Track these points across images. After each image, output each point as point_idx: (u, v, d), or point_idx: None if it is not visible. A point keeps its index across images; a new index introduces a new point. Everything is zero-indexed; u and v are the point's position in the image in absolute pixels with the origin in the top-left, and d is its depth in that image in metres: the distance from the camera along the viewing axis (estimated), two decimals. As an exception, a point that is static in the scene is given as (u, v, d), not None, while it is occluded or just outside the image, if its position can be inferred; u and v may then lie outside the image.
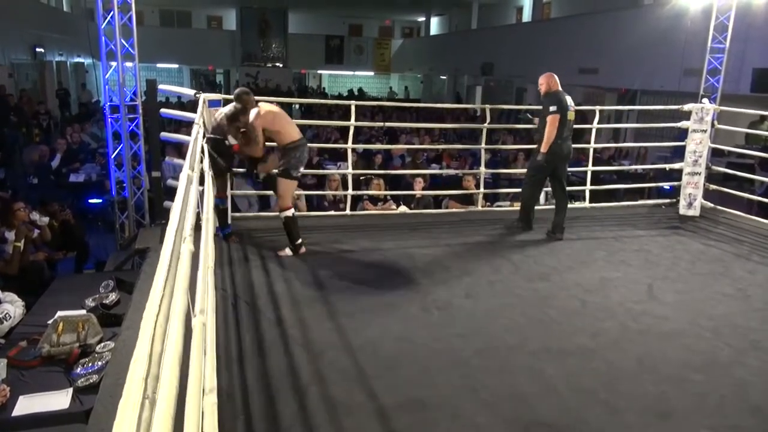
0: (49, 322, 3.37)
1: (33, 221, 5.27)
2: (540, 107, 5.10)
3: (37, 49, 16.11)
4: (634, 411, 2.58)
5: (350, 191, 5.61)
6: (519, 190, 7.53)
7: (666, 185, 6.97)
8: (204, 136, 4.51)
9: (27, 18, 15.66)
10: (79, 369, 3.05)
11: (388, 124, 8.42)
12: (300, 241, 4.43)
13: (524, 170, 8.47)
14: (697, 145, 5.96)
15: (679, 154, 7.05)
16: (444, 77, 26.52)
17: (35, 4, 16.96)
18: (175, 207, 1.94)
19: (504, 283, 4.06)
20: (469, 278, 4.12)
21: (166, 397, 0.99)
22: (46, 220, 5.55)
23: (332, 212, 5.84)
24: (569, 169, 8.97)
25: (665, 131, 10.03)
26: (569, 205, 5.41)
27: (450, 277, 4.13)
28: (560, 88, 5.02)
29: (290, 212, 4.37)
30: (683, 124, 6.08)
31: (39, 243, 5.34)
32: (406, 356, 2.98)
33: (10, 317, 3.71)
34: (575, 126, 5.19)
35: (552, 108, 4.84)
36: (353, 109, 5.56)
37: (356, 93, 26.90)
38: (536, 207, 5.50)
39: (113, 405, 2.41)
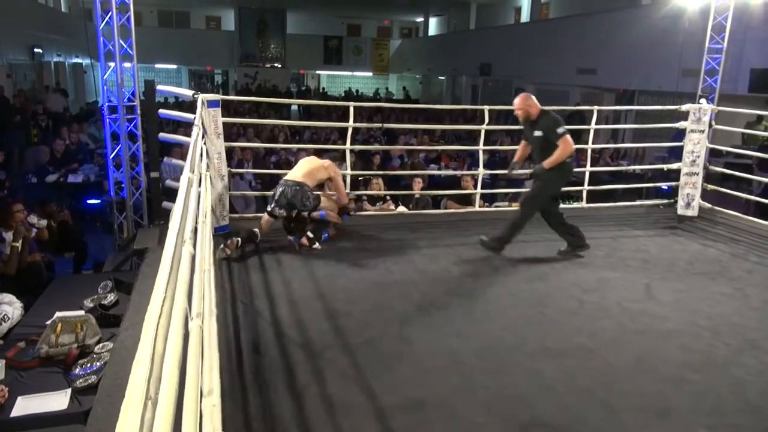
0: (48, 322, 3.36)
1: (31, 224, 5.27)
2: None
3: (35, 50, 16.09)
4: (632, 410, 2.59)
5: (349, 191, 5.60)
6: (516, 190, 7.56)
7: (664, 185, 6.98)
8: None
9: (25, 18, 15.65)
10: (77, 370, 3.05)
11: (386, 125, 8.41)
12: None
13: (522, 171, 8.48)
14: (695, 146, 5.97)
15: (675, 154, 7.07)
16: (443, 78, 26.54)
17: (33, 5, 16.94)
18: (177, 208, 1.94)
19: (502, 284, 4.06)
20: (467, 278, 4.13)
21: (167, 398, 0.99)
22: (44, 223, 5.54)
23: (331, 212, 5.83)
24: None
25: (663, 131, 10.06)
26: (568, 206, 5.39)
27: (448, 277, 4.13)
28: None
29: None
30: (681, 124, 6.09)
31: (33, 243, 5.32)
32: (404, 356, 2.98)
33: (9, 318, 3.70)
34: (576, 127, 5.17)
35: (560, 130, 4.36)
36: (351, 110, 5.57)
37: (351, 93, 26.90)
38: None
39: (112, 406, 2.42)
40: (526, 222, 4.60)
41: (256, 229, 4.58)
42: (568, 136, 4.38)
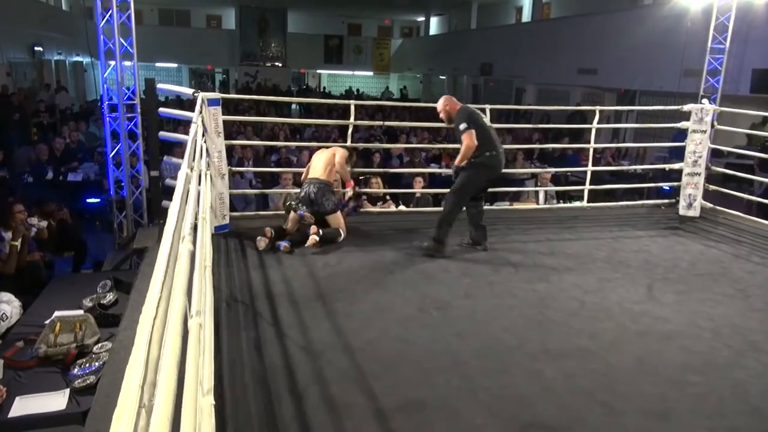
0: (46, 322, 3.35)
1: (31, 224, 5.26)
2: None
3: (36, 48, 16.08)
4: (632, 412, 2.57)
5: (349, 190, 5.58)
6: (518, 189, 7.56)
7: (665, 186, 6.96)
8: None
9: (25, 17, 15.64)
10: (76, 370, 3.04)
11: (387, 123, 8.40)
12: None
13: (523, 170, 8.45)
14: (697, 146, 5.95)
15: (676, 154, 7.06)
16: (443, 77, 26.51)
17: (34, 3, 16.93)
18: (173, 206, 1.92)
19: (503, 284, 4.05)
20: (467, 279, 4.11)
21: (164, 403, 0.98)
22: (44, 224, 5.53)
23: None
24: (569, 169, 8.97)
25: (665, 131, 10.05)
26: (568, 205, 5.36)
27: (449, 278, 4.12)
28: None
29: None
30: (683, 124, 6.07)
31: (32, 242, 5.31)
32: (404, 357, 2.97)
33: (7, 317, 3.70)
34: (577, 126, 5.15)
35: (462, 126, 4.38)
36: (353, 108, 5.56)
37: (351, 92, 26.86)
38: (535, 206, 5.47)
39: (110, 406, 2.40)
40: (453, 217, 4.58)
41: (284, 226, 4.68)
42: (472, 131, 4.37)
